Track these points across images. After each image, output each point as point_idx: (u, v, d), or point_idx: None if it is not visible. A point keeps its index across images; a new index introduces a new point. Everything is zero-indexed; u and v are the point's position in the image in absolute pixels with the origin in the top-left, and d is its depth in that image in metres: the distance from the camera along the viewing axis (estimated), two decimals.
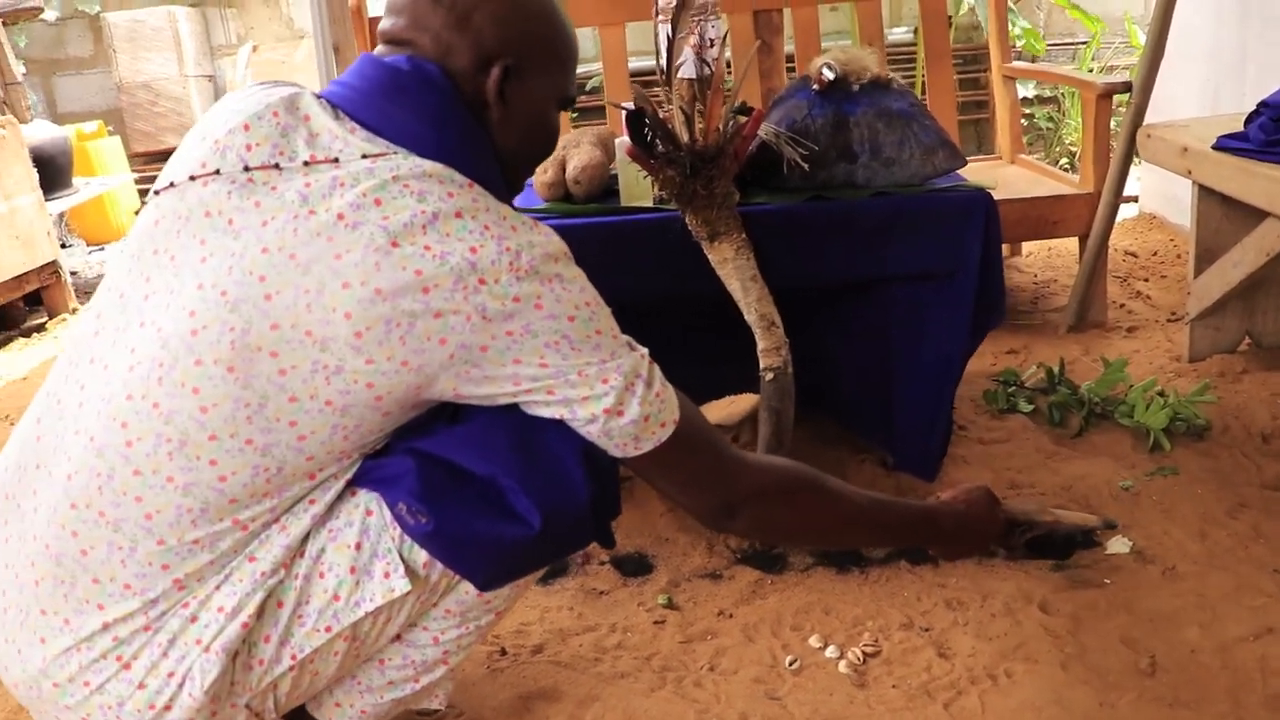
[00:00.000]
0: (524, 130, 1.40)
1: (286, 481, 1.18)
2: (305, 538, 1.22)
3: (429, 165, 1.18)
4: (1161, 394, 2.51)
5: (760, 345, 2.02)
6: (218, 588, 1.19)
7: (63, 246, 4.70)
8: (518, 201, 2.32)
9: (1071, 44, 6.14)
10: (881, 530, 1.69)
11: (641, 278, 2.12)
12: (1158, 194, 4.17)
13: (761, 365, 2.03)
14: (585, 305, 1.21)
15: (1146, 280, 3.56)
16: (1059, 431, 2.51)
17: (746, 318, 2.03)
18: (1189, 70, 3.71)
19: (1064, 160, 5.69)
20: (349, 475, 1.24)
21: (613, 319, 1.27)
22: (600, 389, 1.21)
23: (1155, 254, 3.80)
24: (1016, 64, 3.70)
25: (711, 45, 2.12)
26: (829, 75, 2.15)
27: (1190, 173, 2.63)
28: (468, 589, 1.34)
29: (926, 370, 2.23)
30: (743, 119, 2.03)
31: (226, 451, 1.14)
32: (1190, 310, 2.80)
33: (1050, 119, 5.96)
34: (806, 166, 2.04)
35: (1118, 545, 2.01)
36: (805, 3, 3.47)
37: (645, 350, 1.30)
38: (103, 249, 6.04)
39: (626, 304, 2.23)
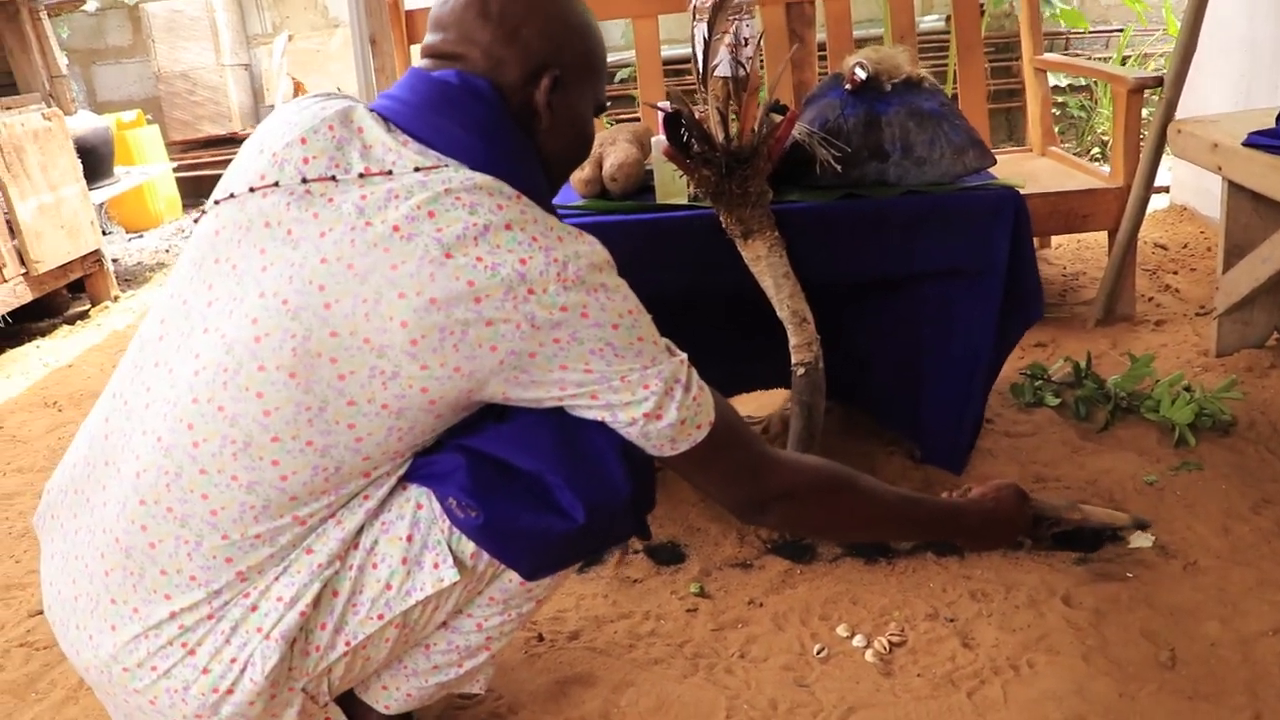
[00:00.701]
0: (568, 136, 1.46)
1: (343, 479, 1.24)
2: (359, 531, 1.29)
3: (479, 178, 1.24)
4: (1188, 389, 2.53)
5: (792, 341, 2.07)
6: (277, 578, 1.26)
7: (103, 234, 4.79)
8: (555, 198, 2.38)
9: (1106, 31, 6.12)
10: (910, 526, 1.74)
11: (676, 273, 2.17)
12: (1189, 186, 4.17)
13: (793, 360, 2.08)
14: (628, 313, 1.27)
15: (1176, 273, 3.57)
16: (1085, 426, 2.54)
17: (779, 314, 2.08)
18: (1222, 64, 3.71)
19: (1096, 149, 5.69)
20: (401, 472, 1.30)
21: (652, 325, 1.32)
22: (641, 394, 1.27)
23: (1185, 246, 3.81)
24: (1049, 56, 3.71)
25: (746, 44, 2.16)
26: (861, 75, 2.19)
27: (1220, 169, 2.65)
28: (512, 578, 1.40)
29: (955, 366, 2.27)
30: (777, 118, 2.07)
31: (288, 452, 1.20)
32: (1218, 305, 2.83)
33: (1082, 107, 5.94)
34: (838, 167, 2.08)
35: (1141, 540, 2.05)
36: None
37: (684, 355, 1.36)
38: (141, 236, 6.15)
39: (661, 299, 2.29)
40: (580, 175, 2.27)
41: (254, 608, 1.25)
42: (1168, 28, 5.70)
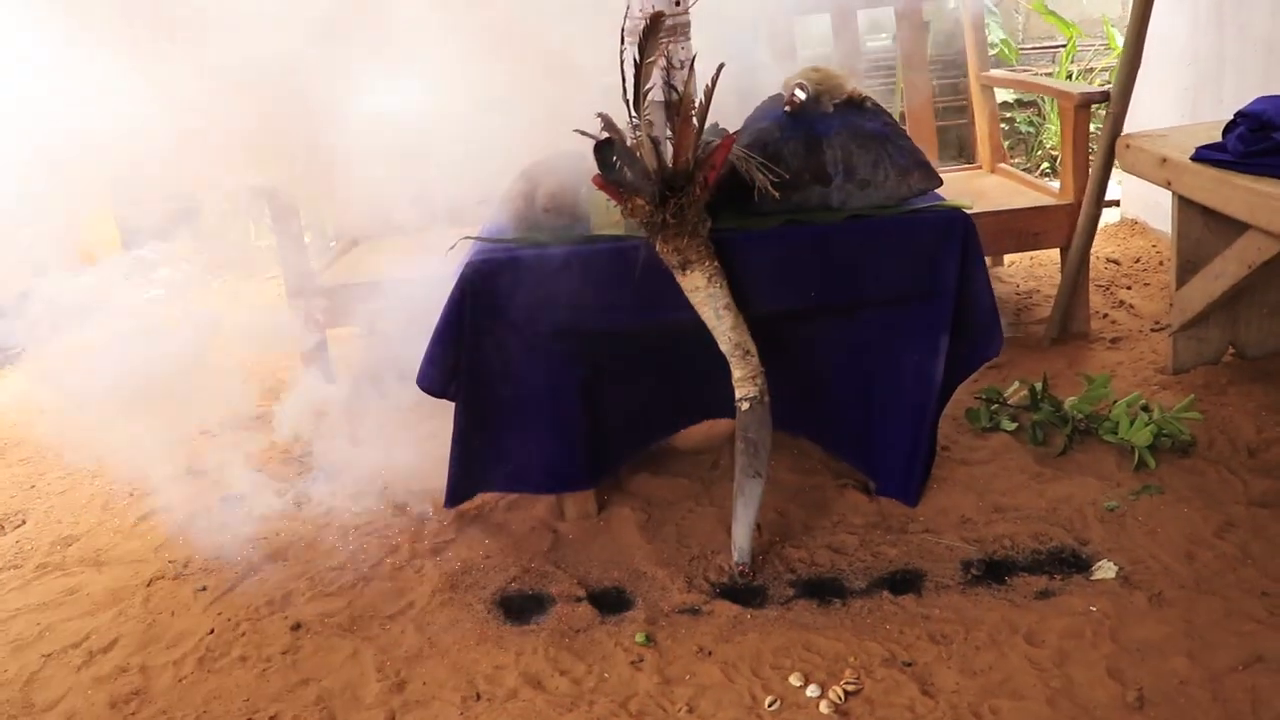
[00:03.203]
0: None
1: None
2: None
3: None
4: (1145, 408, 2.48)
5: (735, 374, 1.98)
6: None
7: None
8: (485, 231, 2.29)
9: (1051, 47, 6.11)
10: None
11: (615, 306, 2.08)
12: (1139, 200, 4.14)
13: (737, 395, 1.99)
14: None
15: (1129, 288, 3.53)
16: (1043, 450, 2.47)
17: (721, 347, 1.99)
18: (1167, 78, 3.68)
19: (1045, 165, 5.67)
20: None
21: None
22: None
23: (1138, 260, 3.77)
24: (995, 72, 3.67)
25: (680, 68, 2.08)
26: (802, 95, 2.11)
27: (1170, 184, 2.60)
28: None
29: (906, 394, 2.20)
30: (713, 142, 1.99)
31: None
32: (1173, 322, 2.77)
33: (1030, 123, 5.93)
34: (776, 194, 2.00)
35: (1104, 570, 1.97)
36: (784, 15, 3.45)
37: None
38: None
39: (603, 332, 2.22)
40: (513, 206, 2.18)
41: None
42: (1109, 42, 5.72)
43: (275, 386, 3.31)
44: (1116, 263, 3.76)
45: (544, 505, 2.37)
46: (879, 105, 2.20)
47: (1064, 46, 5.86)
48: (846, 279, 2.10)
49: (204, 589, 2.24)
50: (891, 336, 2.17)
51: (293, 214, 2.93)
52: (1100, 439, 2.46)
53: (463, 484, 2.26)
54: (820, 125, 2.11)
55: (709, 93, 1.89)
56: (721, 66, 1.87)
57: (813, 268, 2.08)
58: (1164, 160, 2.60)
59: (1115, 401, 2.51)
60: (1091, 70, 5.86)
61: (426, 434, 2.54)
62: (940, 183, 2.13)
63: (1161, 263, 3.70)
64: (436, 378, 2.15)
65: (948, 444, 2.51)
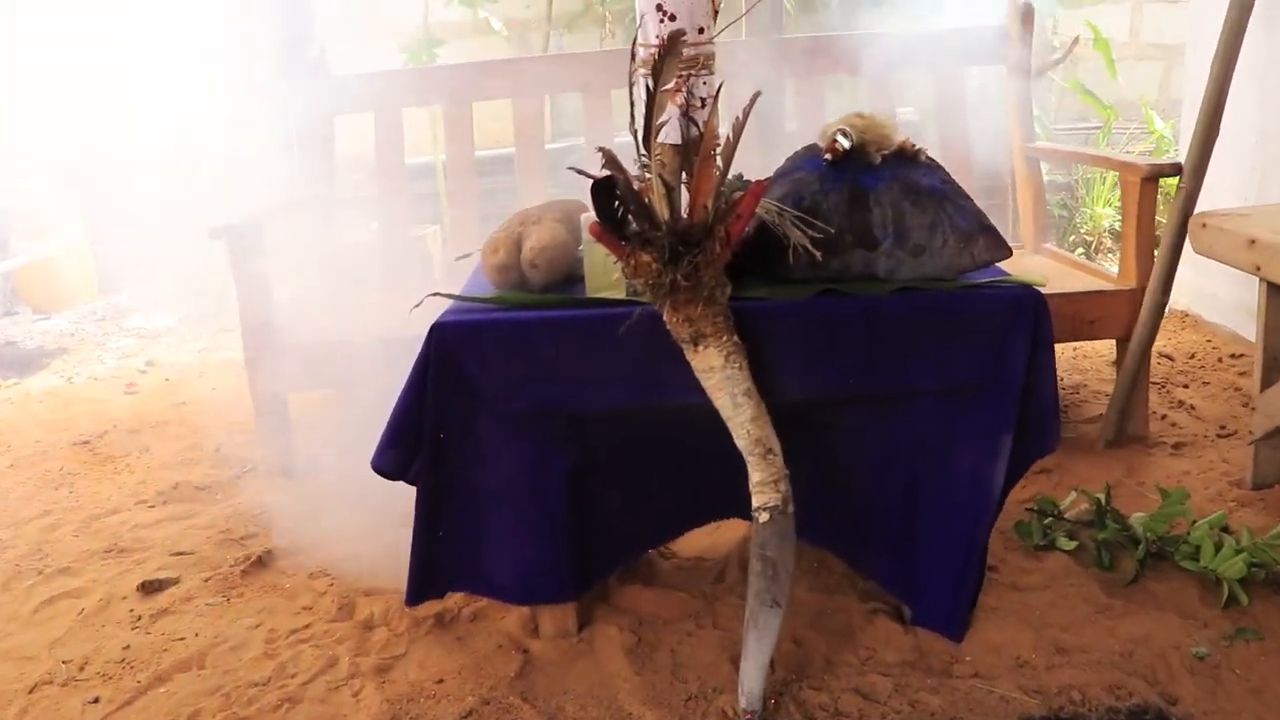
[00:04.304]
0: None
1: None
2: None
3: None
4: (1225, 530, 2.11)
5: (753, 478, 1.61)
6: None
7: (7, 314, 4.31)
8: (465, 288, 1.93)
9: (1084, 129, 5.82)
10: None
11: (610, 385, 1.72)
12: (1190, 290, 3.79)
13: (754, 502, 1.62)
14: None
15: (1186, 386, 3.16)
16: (1110, 576, 2.08)
17: (737, 442, 1.62)
18: (1230, 155, 3.34)
19: (1079, 250, 5.34)
20: None
21: None
22: None
23: (1193, 356, 3.41)
24: (1041, 144, 3.34)
25: (703, 105, 1.74)
26: (844, 144, 1.77)
27: (1259, 269, 2.25)
28: None
29: (957, 505, 1.82)
30: (738, 194, 1.64)
31: None
32: (1255, 429, 2.40)
33: (1064, 206, 5.61)
34: (818, 254, 1.64)
35: None
36: (813, 75, 3.14)
37: None
38: (49, 317, 5.62)
39: (593, 415, 1.84)
40: (493, 259, 1.82)
41: None
42: (1147, 125, 5.42)
43: (230, 453, 2.94)
44: (1170, 358, 3.39)
45: (516, 617, 1.99)
46: (934, 160, 1.85)
47: (1099, 129, 5.57)
48: (893, 364, 1.73)
49: (95, 700, 1.86)
50: (943, 434, 1.80)
51: (255, 252, 2.56)
52: (1177, 565, 2.08)
53: (426, 581, 1.87)
54: (866, 178, 1.76)
55: (738, 127, 1.54)
56: (757, 95, 1.53)
57: (853, 349, 1.72)
58: (1253, 242, 2.25)
59: (1194, 522, 2.13)
60: (1128, 154, 5.56)
61: (392, 521, 2.16)
62: (1009, 253, 1.77)
63: (1220, 360, 3.34)
64: (395, 459, 1.78)
65: (995, 563, 2.13)
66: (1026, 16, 3.15)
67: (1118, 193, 5.48)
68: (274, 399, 2.61)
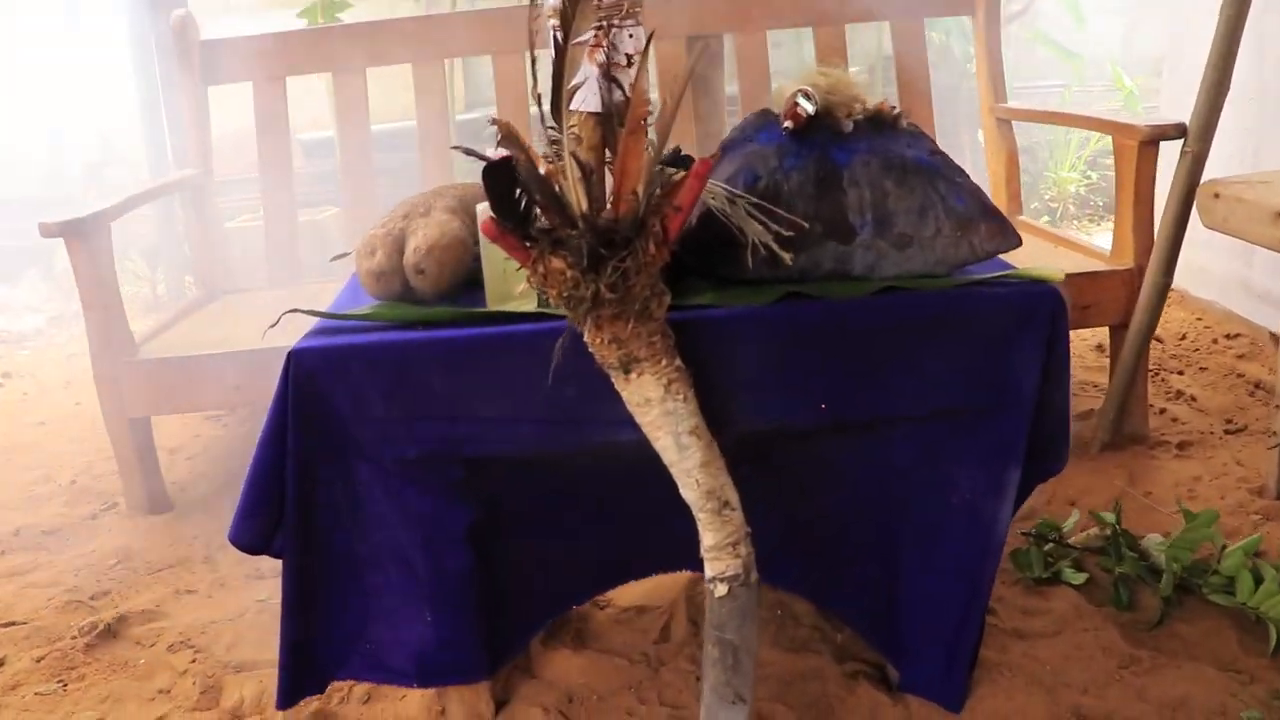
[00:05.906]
0: None
1: None
2: None
3: None
4: (1259, 555, 1.80)
5: (706, 541, 1.25)
6: None
7: None
8: (335, 304, 1.55)
9: (1044, 86, 5.50)
10: None
11: (517, 423, 1.35)
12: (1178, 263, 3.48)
13: (708, 571, 1.26)
14: None
15: (1181, 374, 2.85)
16: (1129, 617, 1.76)
17: (684, 494, 1.26)
18: (1224, 115, 3.03)
19: (1044, 218, 5.03)
20: None
21: None
22: None
23: (1184, 338, 3.10)
24: (1013, 105, 2.99)
25: (629, 63, 1.36)
26: (808, 108, 1.40)
27: None
28: None
29: (953, 546, 1.48)
30: (675, 173, 1.27)
31: None
32: (1278, 430, 2.09)
33: (1024, 170, 5.30)
34: (781, 251, 1.27)
35: None
36: (754, 28, 2.75)
37: None
38: None
39: (498, 458, 1.47)
40: (369, 264, 1.44)
41: None
42: (1116, 82, 5.11)
43: (88, 486, 2.52)
44: (1159, 340, 3.08)
45: (417, 701, 1.62)
46: (918, 127, 1.49)
47: (1062, 87, 5.25)
48: (874, 382, 1.38)
49: None
50: (936, 464, 1.45)
51: (101, 251, 2.15)
52: (1204, 598, 1.76)
53: (300, 676, 1.48)
54: (836, 151, 1.40)
55: (678, 91, 1.17)
56: (704, 46, 1.16)
57: (824, 367, 1.36)
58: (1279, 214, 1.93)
59: (1224, 546, 1.81)
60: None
61: (274, 569, 1.78)
62: (1019, 241, 1.42)
63: (1215, 340, 3.03)
64: (254, 530, 1.39)
65: (992, 603, 1.79)
66: None
67: (1083, 155, 5.18)
68: (134, 424, 2.20)
